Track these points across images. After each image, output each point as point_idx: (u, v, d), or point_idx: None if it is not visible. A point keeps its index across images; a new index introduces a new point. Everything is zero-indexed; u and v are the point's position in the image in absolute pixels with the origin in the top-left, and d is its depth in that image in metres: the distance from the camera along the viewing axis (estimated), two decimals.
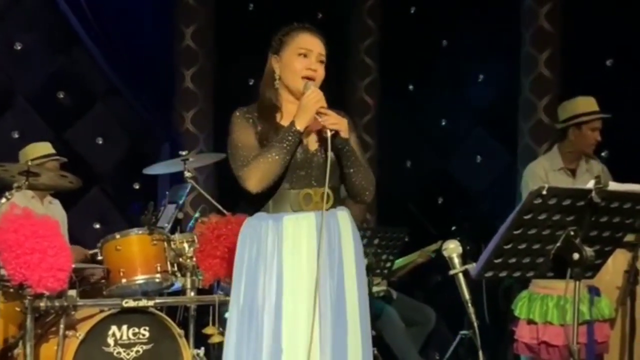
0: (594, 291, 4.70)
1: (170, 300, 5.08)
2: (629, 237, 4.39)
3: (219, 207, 5.36)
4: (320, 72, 3.32)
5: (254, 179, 3.20)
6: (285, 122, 3.30)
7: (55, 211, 5.83)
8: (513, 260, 3.02)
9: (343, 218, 3.37)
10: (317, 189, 3.28)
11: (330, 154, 3.24)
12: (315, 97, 3.23)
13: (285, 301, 3.21)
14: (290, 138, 3.21)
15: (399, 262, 6.51)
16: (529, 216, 2.92)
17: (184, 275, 4.97)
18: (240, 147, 3.27)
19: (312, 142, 3.34)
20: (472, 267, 3.15)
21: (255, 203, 3.31)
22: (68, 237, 5.75)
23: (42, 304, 4.32)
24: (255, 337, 3.22)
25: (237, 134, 3.29)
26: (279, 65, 3.34)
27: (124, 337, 4.63)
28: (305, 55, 3.31)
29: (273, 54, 3.37)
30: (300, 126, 3.22)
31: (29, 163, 5.01)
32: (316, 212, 3.27)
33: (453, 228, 7.43)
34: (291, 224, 3.26)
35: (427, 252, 6.60)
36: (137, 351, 4.65)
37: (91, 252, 5.42)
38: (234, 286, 3.33)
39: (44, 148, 5.96)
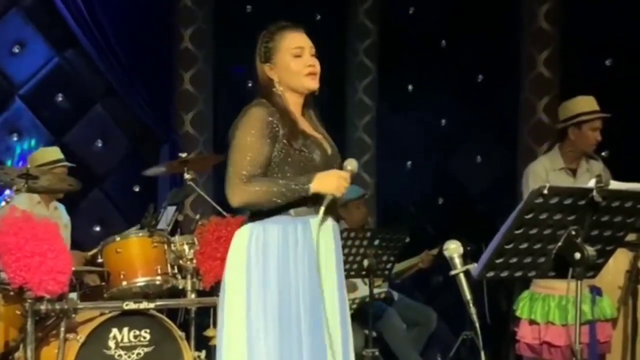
0: (596, 291, 4.69)
1: (171, 302, 5.06)
2: (631, 237, 4.38)
3: (219, 209, 5.36)
4: (317, 66, 3.28)
5: (241, 200, 3.14)
6: (301, 124, 3.25)
7: (60, 216, 5.83)
8: (514, 260, 3.01)
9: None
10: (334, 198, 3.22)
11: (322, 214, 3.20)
12: (342, 186, 3.15)
13: (324, 307, 3.17)
14: (296, 191, 3.14)
15: (400, 266, 6.50)
16: (530, 215, 2.91)
17: (184, 277, 4.96)
18: (246, 155, 3.15)
19: (330, 147, 3.33)
20: (473, 267, 3.14)
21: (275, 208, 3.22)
22: (70, 242, 5.77)
23: (42, 307, 4.32)
24: (296, 344, 3.17)
25: (250, 139, 3.15)
26: (276, 72, 3.27)
27: (125, 340, 4.62)
28: (299, 55, 3.26)
29: (263, 62, 3.30)
30: (313, 190, 3.14)
31: (28, 167, 5.00)
32: (331, 219, 3.27)
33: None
34: (317, 229, 3.19)
35: (429, 255, 6.59)
36: (138, 354, 4.65)
37: (90, 253, 5.41)
38: (252, 291, 3.18)
39: (53, 153, 5.96)
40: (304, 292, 3.18)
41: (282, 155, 3.19)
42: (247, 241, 3.22)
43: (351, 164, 3.22)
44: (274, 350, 3.16)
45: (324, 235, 3.22)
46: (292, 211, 3.21)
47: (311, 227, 3.20)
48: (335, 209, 3.29)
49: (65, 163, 5.90)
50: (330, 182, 3.15)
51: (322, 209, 3.15)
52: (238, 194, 3.14)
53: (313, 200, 3.20)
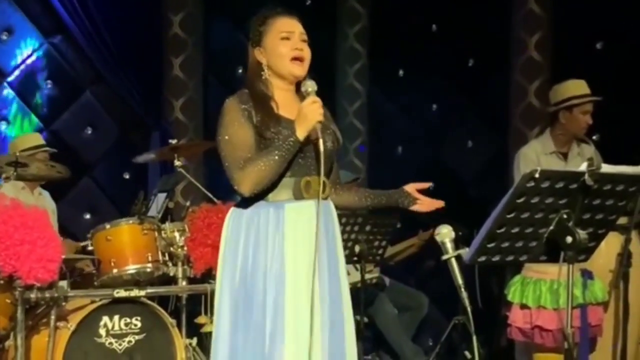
0: (587, 274, 4.69)
1: (162, 289, 5.05)
2: (622, 220, 4.38)
3: (210, 195, 5.35)
4: (306, 51, 3.28)
5: (249, 184, 3.13)
6: (281, 111, 3.23)
7: (45, 202, 5.81)
8: (506, 244, 3.00)
9: (334, 209, 3.36)
10: (316, 177, 3.21)
11: (323, 145, 3.17)
12: (317, 110, 3.15)
13: (287, 292, 3.14)
14: (289, 147, 3.13)
15: (395, 248, 6.50)
16: (521, 199, 2.90)
17: (175, 265, 4.95)
18: (235, 145, 3.16)
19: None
20: (465, 252, 3.13)
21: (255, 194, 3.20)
22: (58, 229, 5.75)
23: (32, 296, 4.29)
24: (255, 327, 3.14)
25: (232, 130, 3.17)
26: (265, 55, 3.28)
27: (116, 328, 4.61)
28: (288, 38, 3.26)
29: (254, 47, 3.31)
30: (301, 136, 3.14)
31: (17, 154, 4.98)
32: (317, 200, 3.22)
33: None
34: (293, 212, 3.20)
35: (424, 235, 6.57)
36: (130, 341, 4.64)
37: (82, 244, 5.40)
38: (225, 274, 3.23)
39: (34, 139, 5.95)
40: (269, 276, 3.16)
41: (256, 142, 3.19)
42: (225, 227, 3.28)
43: (311, 86, 3.20)
44: (234, 330, 3.17)
45: (302, 219, 3.19)
46: (270, 196, 3.21)
47: (285, 212, 3.19)
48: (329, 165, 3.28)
49: (47, 148, 5.88)
50: (307, 116, 3.14)
51: (321, 146, 3.12)
52: (244, 182, 3.13)
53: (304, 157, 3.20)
